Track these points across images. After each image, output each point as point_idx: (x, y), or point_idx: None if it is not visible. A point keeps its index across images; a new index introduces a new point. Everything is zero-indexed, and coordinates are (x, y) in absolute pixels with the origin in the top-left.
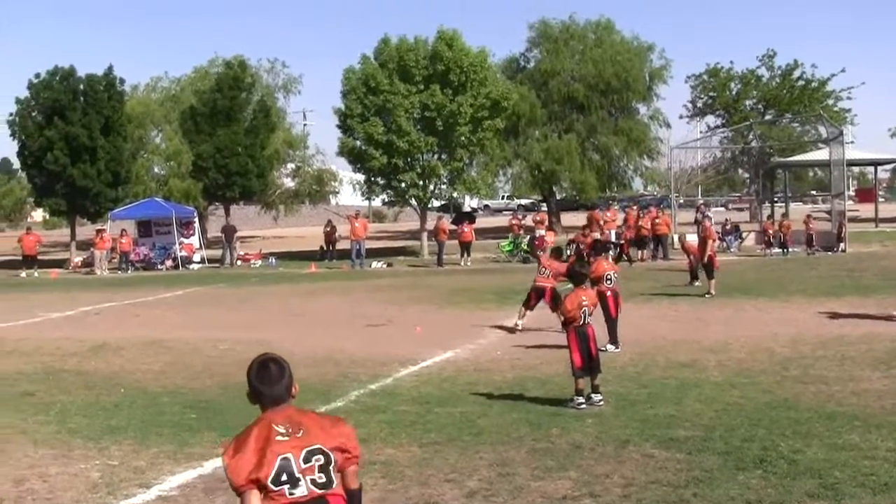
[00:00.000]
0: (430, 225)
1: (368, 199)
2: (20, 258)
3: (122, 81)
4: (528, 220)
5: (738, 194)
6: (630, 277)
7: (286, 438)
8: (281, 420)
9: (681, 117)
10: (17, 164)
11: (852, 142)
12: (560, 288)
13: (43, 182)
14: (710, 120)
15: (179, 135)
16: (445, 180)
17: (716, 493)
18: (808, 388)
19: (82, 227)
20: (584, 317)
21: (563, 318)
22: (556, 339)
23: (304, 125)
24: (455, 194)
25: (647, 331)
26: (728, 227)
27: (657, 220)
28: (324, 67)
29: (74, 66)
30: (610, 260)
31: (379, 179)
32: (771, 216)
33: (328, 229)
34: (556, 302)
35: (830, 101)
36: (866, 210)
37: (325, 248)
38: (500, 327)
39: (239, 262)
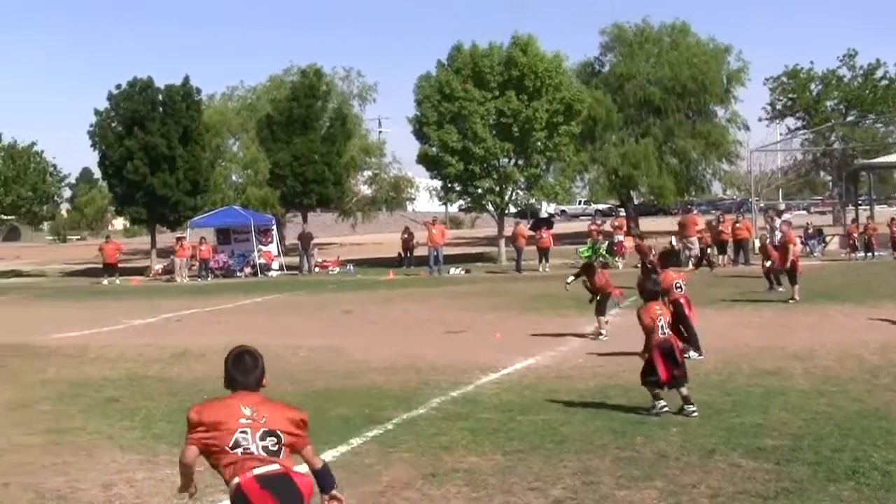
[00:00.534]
0: (508, 231)
1: (445, 205)
2: (101, 266)
3: (199, 91)
4: (607, 226)
5: (819, 197)
6: (711, 283)
7: (248, 421)
8: (248, 403)
9: (760, 120)
10: (98, 173)
11: None
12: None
13: (123, 191)
14: (790, 122)
15: (256, 143)
16: (522, 186)
17: None
18: None
19: (161, 235)
20: (662, 328)
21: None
22: (638, 347)
23: (380, 132)
24: (532, 200)
25: (730, 338)
26: (811, 231)
27: (738, 225)
28: (398, 75)
29: (152, 78)
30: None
31: (455, 186)
32: (855, 219)
33: (406, 236)
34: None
35: None
36: None
37: (402, 254)
38: (579, 335)
39: (317, 269)
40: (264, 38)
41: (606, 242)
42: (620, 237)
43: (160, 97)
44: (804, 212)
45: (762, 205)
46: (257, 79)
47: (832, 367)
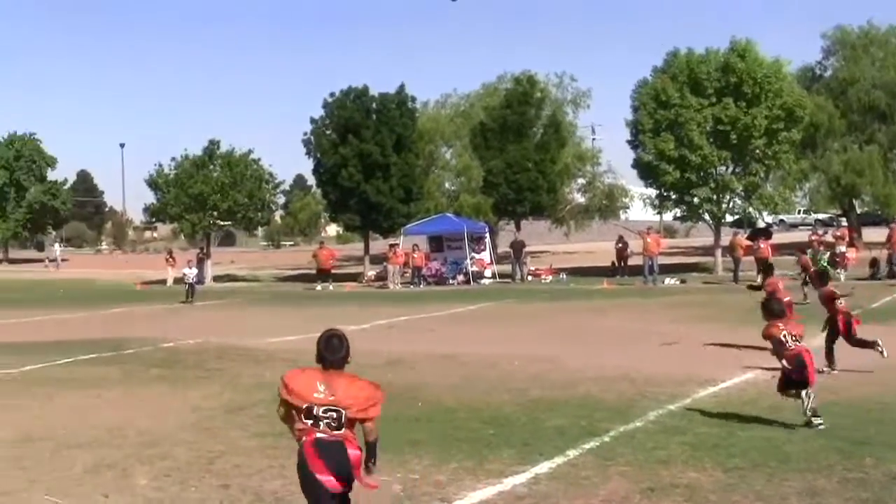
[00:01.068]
0: (725, 241)
1: (660, 213)
2: (315, 272)
3: (414, 99)
4: (828, 236)
5: None
6: None
7: (321, 396)
8: (325, 379)
9: None
10: (312, 180)
11: None
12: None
13: (337, 198)
14: None
15: (469, 150)
16: (740, 195)
17: None
18: None
19: (374, 241)
20: (790, 341)
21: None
22: (865, 363)
23: (593, 139)
24: (751, 209)
25: None
26: None
27: None
28: (613, 80)
29: (367, 86)
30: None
31: (671, 194)
32: None
33: (619, 245)
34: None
35: None
36: None
37: (616, 263)
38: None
39: (530, 278)
40: (477, 45)
41: (828, 253)
42: (843, 248)
43: (374, 105)
44: None
45: None
46: (471, 86)
47: None
